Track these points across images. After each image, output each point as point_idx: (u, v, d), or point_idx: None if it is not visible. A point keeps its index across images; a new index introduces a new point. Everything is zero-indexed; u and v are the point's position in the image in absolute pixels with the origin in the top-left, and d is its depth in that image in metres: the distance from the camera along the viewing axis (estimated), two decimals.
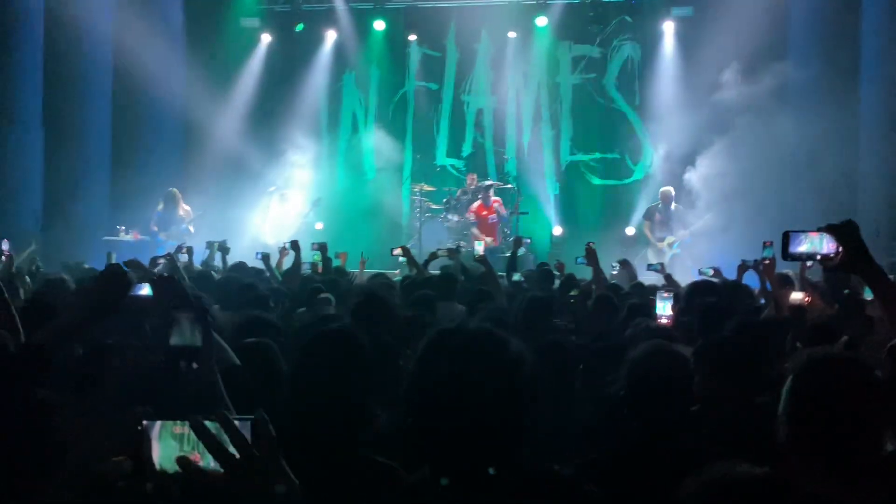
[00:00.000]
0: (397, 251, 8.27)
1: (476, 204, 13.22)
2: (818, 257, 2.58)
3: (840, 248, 2.53)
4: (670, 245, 11.92)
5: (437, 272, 7.93)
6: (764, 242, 5.89)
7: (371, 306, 4.14)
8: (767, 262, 5.70)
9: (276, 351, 3.08)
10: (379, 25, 14.92)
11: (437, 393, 1.65)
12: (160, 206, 12.55)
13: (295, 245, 8.04)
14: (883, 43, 10.74)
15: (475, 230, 12.97)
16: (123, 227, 12.67)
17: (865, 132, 11.06)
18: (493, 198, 13.14)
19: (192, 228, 12.49)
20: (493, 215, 12.98)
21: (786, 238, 2.62)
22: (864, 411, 1.97)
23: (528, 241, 8.78)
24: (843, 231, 2.53)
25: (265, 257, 8.21)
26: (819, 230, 2.57)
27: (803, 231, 2.61)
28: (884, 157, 10.58)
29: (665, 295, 4.43)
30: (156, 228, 12.49)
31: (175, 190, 12.69)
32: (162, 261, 7.53)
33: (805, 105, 11.38)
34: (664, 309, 4.34)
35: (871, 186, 10.90)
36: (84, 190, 12.55)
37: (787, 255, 2.64)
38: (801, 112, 11.40)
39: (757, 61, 12.23)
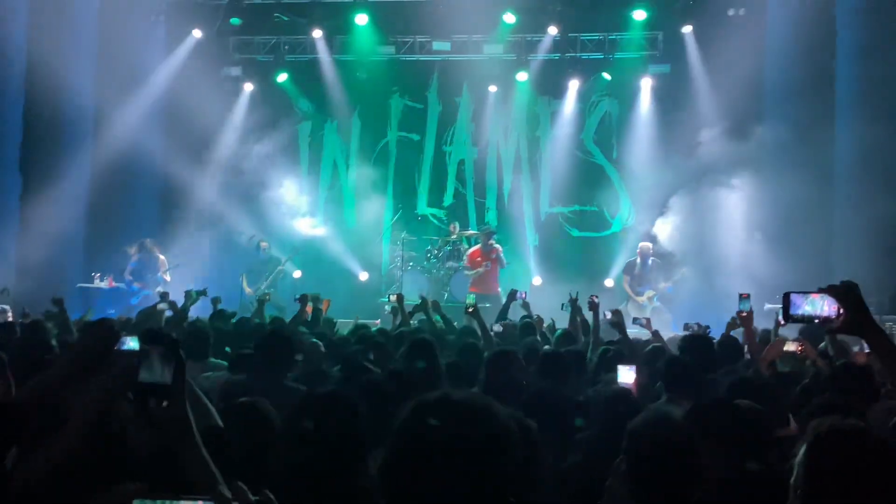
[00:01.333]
0: (393, 298, 8.23)
1: (473, 249, 13.13)
2: (820, 319, 2.57)
3: (841, 310, 2.52)
4: (650, 298, 11.99)
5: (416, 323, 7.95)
6: (740, 294, 5.87)
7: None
8: (745, 314, 5.66)
9: (269, 411, 3.01)
10: (361, 76, 15.03)
11: (415, 470, 1.54)
12: (134, 257, 12.42)
13: (303, 299, 7.77)
14: (857, 102, 11.02)
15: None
16: (98, 274, 12.51)
17: (840, 186, 11.27)
18: (493, 245, 12.96)
19: (168, 277, 12.35)
20: (488, 262, 12.78)
21: (787, 300, 2.61)
22: (883, 487, 1.94)
23: (524, 294, 8.71)
24: (843, 293, 2.52)
25: (261, 301, 8.19)
26: (820, 291, 2.56)
27: (804, 293, 2.59)
28: (857, 206, 10.75)
29: (626, 368, 4.10)
30: (130, 277, 12.33)
31: (149, 240, 12.57)
32: (164, 305, 7.43)
33: (781, 160, 11.60)
34: (626, 378, 4.06)
35: (846, 239, 11.07)
36: (59, 235, 12.39)
37: (788, 318, 2.63)
38: (777, 167, 11.63)
39: (733, 118, 12.49)
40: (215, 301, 8.53)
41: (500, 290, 12.29)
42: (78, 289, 12.13)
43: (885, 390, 4.19)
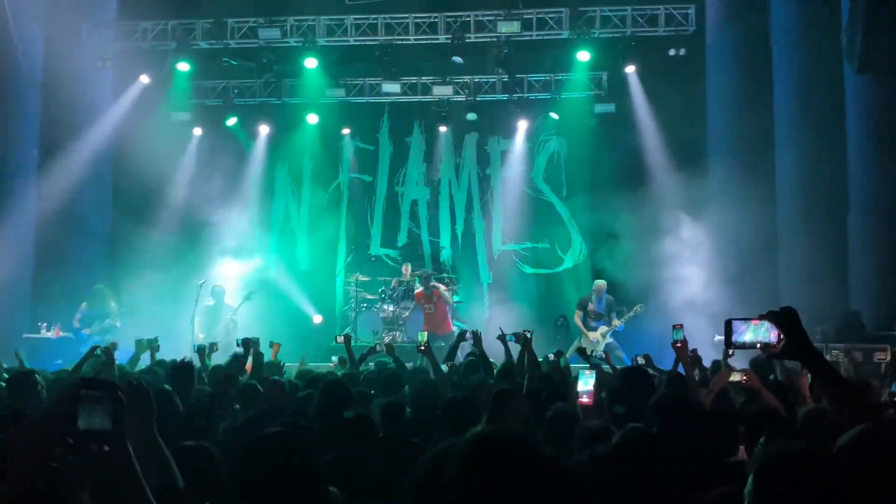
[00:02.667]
0: (341, 339, 8.16)
1: (417, 290, 13.02)
2: (761, 345, 2.64)
3: (781, 336, 2.59)
4: (604, 335, 12.04)
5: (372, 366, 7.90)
6: (674, 325, 6.06)
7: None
8: (679, 344, 5.80)
9: (215, 455, 2.96)
10: (312, 119, 15.08)
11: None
12: (84, 305, 12.19)
13: (246, 343, 7.50)
14: (794, 129, 11.38)
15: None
16: (45, 324, 12.23)
17: (783, 217, 11.57)
18: (434, 286, 12.71)
19: (118, 323, 12.11)
20: (430, 305, 12.71)
21: (728, 326, 2.68)
22: None
23: (471, 334, 8.73)
24: (782, 318, 2.59)
25: (200, 350, 7.96)
26: (760, 318, 2.63)
27: (745, 319, 2.66)
28: (799, 235, 11.05)
29: (587, 373, 4.30)
30: (78, 325, 12.09)
31: (102, 286, 12.37)
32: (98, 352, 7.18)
33: (727, 191, 11.88)
34: (586, 385, 4.21)
35: (791, 270, 11.34)
36: (4, 284, 12.09)
37: (730, 344, 2.69)
38: (723, 198, 11.89)
39: (678, 154, 12.80)
40: (153, 348, 8.28)
41: (454, 328, 12.29)
42: (24, 339, 11.81)
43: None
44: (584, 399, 4.01)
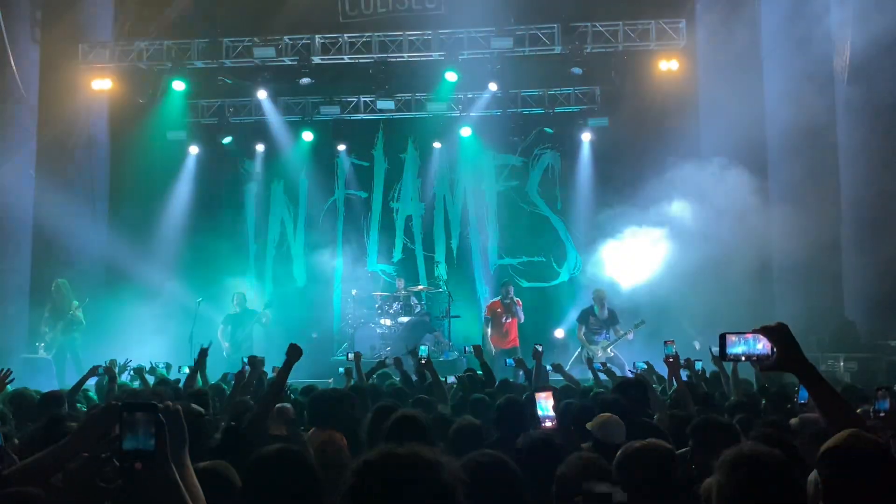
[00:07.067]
0: (352, 356, 8.30)
1: (494, 300, 13.06)
2: (754, 357, 2.69)
3: (774, 349, 2.65)
4: (605, 349, 11.98)
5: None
6: (665, 341, 6.20)
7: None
8: (672, 359, 5.92)
9: (231, 473, 3.00)
10: (307, 136, 15.16)
11: None
12: (48, 313, 12.22)
13: (252, 361, 7.31)
14: (786, 141, 11.48)
15: (488, 329, 12.77)
16: (42, 345, 12.23)
17: (778, 232, 11.64)
18: (516, 298, 12.74)
19: (79, 313, 12.08)
20: (508, 315, 12.60)
21: (723, 340, 2.73)
22: None
23: (472, 348, 8.81)
24: (775, 332, 2.65)
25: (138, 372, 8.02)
26: (754, 332, 2.69)
27: (739, 333, 2.72)
28: (793, 248, 11.12)
29: (543, 396, 4.09)
30: (46, 329, 12.15)
31: (64, 280, 12.33)
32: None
33: (719, 204, 11.95)
34: (545, 410, 4.06)
35: (785, 279, 11.41)
36: (3, 307, 12.12)
37: (725, 357, 2.75)
38: (715, 211, 11.96)
39: (671, 166, 12.85)
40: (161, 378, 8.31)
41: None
42: (22, 359, 11.82)
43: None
44: (548, 423, 4.01)
